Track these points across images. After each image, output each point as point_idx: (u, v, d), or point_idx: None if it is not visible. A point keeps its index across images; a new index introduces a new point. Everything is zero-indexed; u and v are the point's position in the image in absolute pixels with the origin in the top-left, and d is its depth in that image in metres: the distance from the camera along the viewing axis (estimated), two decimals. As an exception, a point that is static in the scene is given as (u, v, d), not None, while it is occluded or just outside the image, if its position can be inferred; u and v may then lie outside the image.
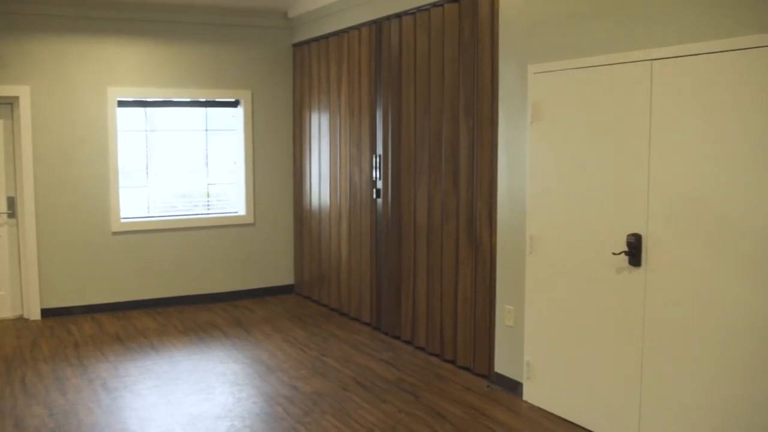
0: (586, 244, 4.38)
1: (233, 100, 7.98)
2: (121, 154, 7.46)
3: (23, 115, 7.01)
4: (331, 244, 7.48)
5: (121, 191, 7.49)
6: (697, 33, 3.65)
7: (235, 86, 7.92)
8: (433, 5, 5.68)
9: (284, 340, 6.46)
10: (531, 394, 4.89)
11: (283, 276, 8.36)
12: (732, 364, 3.57)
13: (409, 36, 6.03)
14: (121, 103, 7.46)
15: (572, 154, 4.44)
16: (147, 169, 7.75)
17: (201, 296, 7.91)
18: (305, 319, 7.18)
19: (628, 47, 4.03)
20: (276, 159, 8.20)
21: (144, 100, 7.57)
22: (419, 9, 5.85)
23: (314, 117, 7.71)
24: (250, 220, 8.11)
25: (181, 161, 7.92)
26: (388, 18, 6.28)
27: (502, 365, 5.16)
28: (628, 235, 4.04)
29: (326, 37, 7.36)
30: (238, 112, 8.04)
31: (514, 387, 5.04)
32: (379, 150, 6.50)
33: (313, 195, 7.82)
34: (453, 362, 5.69)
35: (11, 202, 7.17)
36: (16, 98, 7.01)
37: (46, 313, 7.24)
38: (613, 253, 4.13)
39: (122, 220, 7.50)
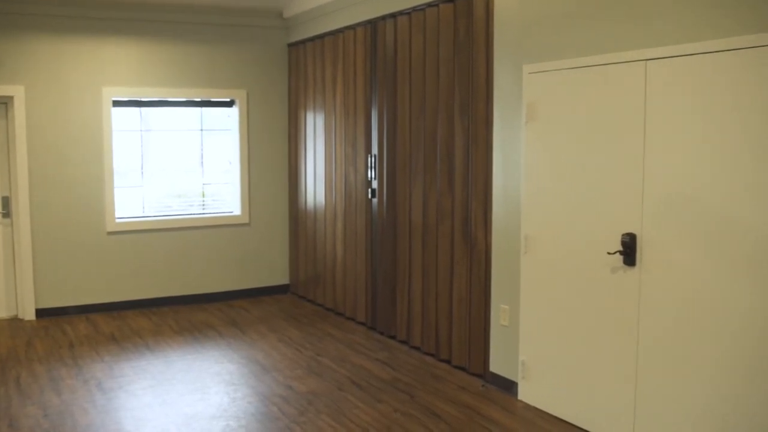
0: (581, 243, 4.39)
1: (228, 99, 7.97)
2: (116, 154, 7.45)
3: (18, 115, 6.99)
4: (326, 244, 7.48)
5: (116, 191, 7.48)
6: (691, 33, 3.66)
7: (231, 86, 7.91)
8: (428, 5, 5.69)
9: (279, 339, 6.46)
10: (526, 394, 4.89)
11: (279, 276, 8.36)
12: (727, 363, 3.58)
13: (404, 36, 6.03)
14: (116, 103, 7.45)
15: (567, 154, 4.45)
16: (142, 168, 7.74)
17: (196, 296, 7.90)
18: (300, 319, 7.18)
19: (622, 47, 4.04)
20: (271, 159, 8.19)
21: (139, 99, 7.56)
22: (414, 9, 5.86)
23: (309, 117, 7.71)
24: (246, 220, 8.11)
25: (176, 161, 7.91)
26: (384, 18, 6.28)
27: (497, 365, 5.16)
28: (623, 235, 4.05)
29: (321, 36, 7.36)
30: (233, 112, 8.04)
31: (509, 386, 5.05)
32: (375, 150, 6.50)
33: (308, 195, 7.82)
34: (448, 362, 5.70)
35: (6, 202, 7.16)
36: (11, 98, 7.00)
37: (40, 313, 7.23)
38: (608, 253, 4.14)
39: (117, 220, 7.49)
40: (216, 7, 7.58)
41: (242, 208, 8.08)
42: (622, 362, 4.14)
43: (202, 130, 7.99)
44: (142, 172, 7.74)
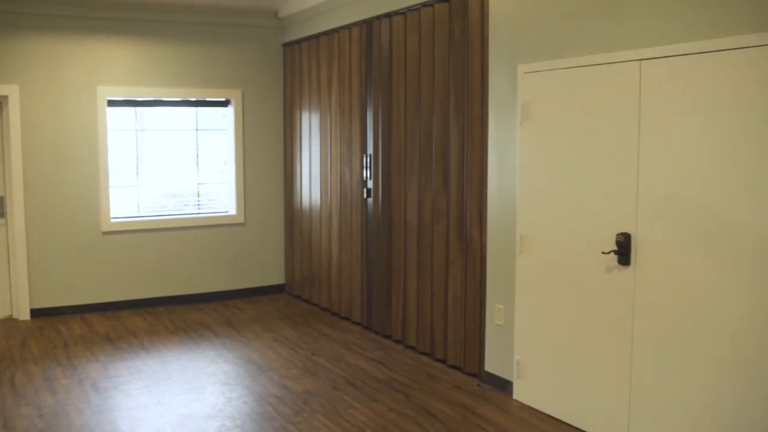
0: (575, 243, 4.40)
1: (224, 99, 7.97)
2: (111, 154, 7.44)
3: (12, 114, 6.98)
4: (321, 244, 7.48)
5: (111, 191, 7.47)
6: (685, 33, 3.67)
7: (226, 86, 7.91)
8: (424, 5, 5.69)
9: (275, 339, 6.46)
10: (521, 393, 4.90)
11: (274, 275, 8.36)
12: (722, 362, 3.59)
13: (399, 36, 6.04)
14: (111, 103, 7.44)
15: (562, 154, 4.46)
16: (137, 168, 7.73)
17: (191, 296, 7.90)
18: (296, 319, 7.18)
19: (617, 47, 4.05)
20: (267, 158, 8.19)
21: (134, 99, 7.55)
22: (409, 9, 5.86)
23: (305, 116, 7.70)
24: (241, 220, 8.11)
25: (171, 161, 7.90)
26: (379, 18, 6.29)
27: (492, 364, 5.17)
28: (618, 235, 4.06)
29: (317, 36, 7.36)
30: (228, 112, 8.03)
31: (504, 386, 5.05)
32: (370, 149, 6.50)
33: (303, 195, 7.82)
34: (443, 361, 5.70)
35: (0, 202, 7.14)
36: (5, 97, 6.98)
37: (35, 313, 7.22)
38: (603, 252, 4.15)
39: (112, 220, 7.48)
40: (211, 6, 7.58)
41: (237, 207, 8.07)
42: (617, 361, 4.14)
43: (197, 129, 7.98)
44: (137, 172, 7.73)
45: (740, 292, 3.48)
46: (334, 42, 7.05)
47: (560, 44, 4.44)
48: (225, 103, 8.01)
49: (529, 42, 4.69)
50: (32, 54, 7.03)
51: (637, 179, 3.96)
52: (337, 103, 7.02)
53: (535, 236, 4.70)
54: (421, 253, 5.89)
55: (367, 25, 6.48)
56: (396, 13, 6.04)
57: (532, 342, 4.79)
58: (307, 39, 7.55)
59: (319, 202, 7.48)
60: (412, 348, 6.07)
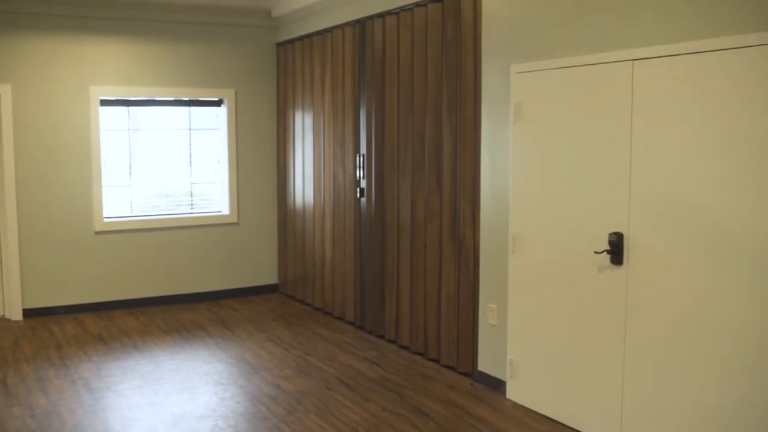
0: (568, 242, 4.41)
1: (217, 99, 7.96)
2: (103, 154, 7.43)
3: (4, 114, 6.96)
4: (315, 244, 7.48)
5: (104, 190, 7.45)
6: (677, 33, 3.68)
7: (219, 85, 7.90)
8: (417, 5, 5.69)
9: (268, 339, 6.45)
10: (514, 393, 4.91)
11: (267, 275, 8.35)
12: (714, 361, 3.60)
13: (392, 35, 6.04)
14: (104, 102, 7.42)
15: (554, 154, 4.47)
16: (130, 168, 7.72)
17: (184, 296, 7.89)
18: (289, 319, 7.18)
19: (609, 47, 4.06)
20: (260, 158, 8.19)
21: (127, 99, 7.54)
22: (402, 9, 5.86)
23: (298, 116, 7.70)
24: (234, 220, 8.10)
25: (164, 160, 7.89)
26: (372, 17, 6.29)
27: (485, 364, 5.18)
28: (610, 234, 4.07)
29: (310, 36, 7.36)
30: (221, 111, 8.02)
31: (497, 385, 5.06)
32: (363, 149, 6.51)
33: (297, 194, 7.82)
34: (437, 361, 5.71)
35: (-8, 202, 7.13)
36: (-2, 97, 6.98)
37: (27, 313, 7.20)
38: (595, 252, 4.16)
39: (105, 220, 7.47)
40: (204, 6, 7.57)
41: (231, 207, 8.07)
42: (610, 360, 4.16)
43: (190, 129, 7.97)
44: (130, 172, 7.72)
45: (733, 291, 3.49)
46: (327, 42, 7.05)
47: (553, 44, 4.45)
48: (218, 103, 8.00)
49: (521, 42, 4.70)
50: (24, 53, 7.01)
51: (629, 179, 3.97)
52: (331, 102, 7.02)
53: (528, 236, 4.71)
54: (414, 253, 5.89)
55: (361, 24, 6.48)
56: (389, 12, 6.04)
57: (525, 341, 4.80)
58: (301, 39, 7.55)
59: (312, 201, 7.48)
60: (406, 348, 6.07)
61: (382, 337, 6.40)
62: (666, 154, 3.77)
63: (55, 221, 7.23)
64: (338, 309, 7.11)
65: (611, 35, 4.05)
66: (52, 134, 7.16)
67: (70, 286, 7.36)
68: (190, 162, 8.01)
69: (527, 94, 4.66)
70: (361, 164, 6.55)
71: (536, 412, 4.71)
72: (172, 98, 7.73)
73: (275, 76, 8.19)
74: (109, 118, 7.53)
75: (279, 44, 8.07)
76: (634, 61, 3.90)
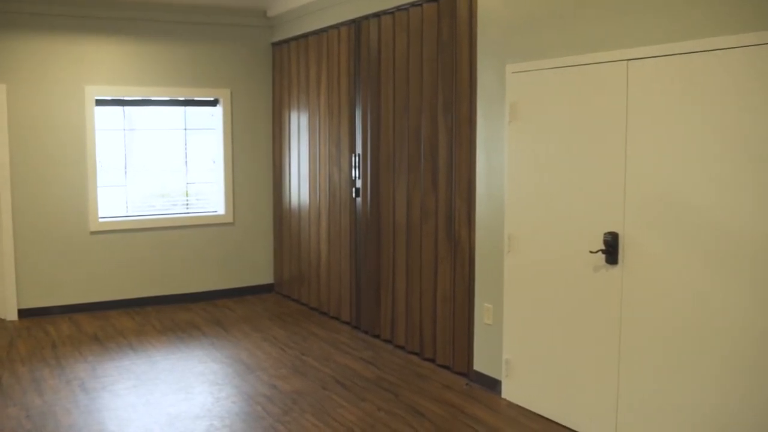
0: (563, 242, 4.41)
1: (212, 99, 7.95)
2: (99, 153, 7.42)
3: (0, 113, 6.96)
4: (310, 244, 7.48)
5: (99, 190, 7.44)
6: (672, 33, 3.69)
7: (215, 85, 7.90)
8: (412, 5, 5.70)
9: (264, 339, 6.45)
10: (510, 392, 4.92)
11: (263, 275, 8.35)
12: (708, 361, 3.61)
13: (388, 35, 6.04)
14: (100, 102, 7.41)
15: (550, 153, 4.48)
16: (126, 168, 7.71)
17: (180, 296, 7.88)
18: (285, 318, 7.18)
19: (604, 47, 4.07)
20: (255, 158, 8.18)
21: (122, 99, 7.53)
22: (398, 8, 5.86)
23: (293, 116, 7.70)
24: (230, 220, 8.09)
25: (159, 160, 7.88)
26: (367, 17, 6.29)
27: (481, 363, 5.18)
28: (605, 234, 4.08)
29: (305, 36, 7.36)
30: (217, 111, 8.02)
31: (493, 385, 5.07)
32: (359, 149, 6.51)
33: (292, 194, 7.82)
34: (432, 361, 5.71)
35: (-13, 202, 7.11)
36: (-8, 97, 6.96)
37: (23, 313, 7.19)
38: (590, 252, 4.17)
39: (100, 220, 7.46)
40: (200, 6, 7.56)
41: (226, 207, 8.06)
42: (605, 360, 4.16)
43: (185, 129, 7.96)
44: (125, 172, 7.71)
45: (728, 290, 3.50)
46: (322, 41, 7.05)
47: (548, 44, 4.46)
48: (214, 103, 7.99)
49: (517, 42, 4.71)
50: (20, 53, 7.00)
51: (624, 178, 3.98)
52: (326, 102, 7.02)
53: (524, 235, 4.72)
54: (410, 253, 5.90)
55: (356, 24, 6.48)
56: (384, 12, 6.04)
57: (520, 341, 4.81)
58: (296, 38, 7.54)
59: (307, 201, 7.48)
60: (401, 347, 6.08)
61: (377, 336, 6.40)
62: (661, 154, 3.78)
63: (50, 221, 7.22)
64: (334, 309, 7.11)
65: (606, 35, 4.06)
66: (47, 134, 7.15)
67: (65, 286, 7.35)
68: (186, 162, 8.00)
69: (522, 94, 4.66)
70: (357, 164, 6.55)
71: (532, 412, 4.72)
72: (167, 98, 7.73)
73: (271, 76, 8.18)
74: (105, 118, 7.52)
75: (274, 44, 8.07)
76: (629, 61, 3.91)
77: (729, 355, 3.51)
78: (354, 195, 6.62)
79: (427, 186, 5.64)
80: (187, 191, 8.04)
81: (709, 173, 3.55)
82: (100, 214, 7.46)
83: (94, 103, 7.32)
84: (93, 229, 7.41)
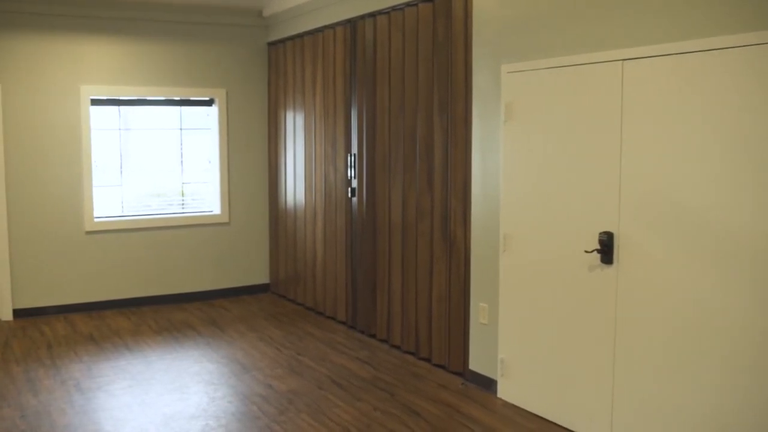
0: (559, 242, 4.42)
1: (208, 98, 7.95)
2: (94, 153, 7.41)
3: (-6, 114, 6.94)
4: (306, 243, 7.48)
5: (94, 190, 7.44)
6: (667, 34, 3.70)
7: (210, 85, 7.89)
8: (408, 5, 5.70)
9: (260, 339, 6.45)
10: (505, 392, 4.92)
11: (259, 275, 8.35)
12: (704, 361, 3.62)
13: (383, 35, 6.04)
14: (95, 102, 7.40)
15: (545, 153, 4.48)
16: (121, 168, 7.70)
17: (176, 296, 7.87)
18: (281, 318, 7.18)
19: (599, 47, 4.08)
20: (251, 158, 8.18)
21: (118, 98, 7.52)
22: (394, 8, 5.87)
23: (289, 116, 7.70)
24: (225, 219, 8.09)
25: (155, 160, 7.87)
26: (363, 17, 6.29)
27: (476, 363, 5.19)
28: (600, 233, 4.09)
29: (301, 36, 7.36)
30: (212, 111, 8.01)
31: (488, 384, 5.07)
32: (354, 149, 6.51)
33: (288, 194, 7.82)
34: (428, 360, 5.72)
35: (-18, 202, 7.10)
36: (-13, 96, 6.95)
37: (18, 313, 7.17)
38: (586, 251, 4.17)
39: (96, 220, 7.45)
40: (195, 5, 7.56)
41: (222, 207, 8.06)
42: (600, 359, 4.17)
43: (181, 129, 7.96)
44: (121, 171, 7.70)
45: (723, 289, 3.51)
46: (318, 41, 7.05)
47: (543, 44, 4.46)
48: (209, 103, 7.99)
49: (512, 42, 4.71)
50: (14, 52, 6.99)
51: (619, 178, 3.98)
52: (322, 102, 7.02)
53: (519, 235, 4.73)
54: (406, 253, 5.90)
55: (352, 24, 6.48)
56: (380, 12, 6.05)
57: (516, 340, 4.81)
58: (292, 38, 7.54)
59: (303, 201, 7.48)
60: (397, 347, 6.08)
61: (373, 336, 6.40)
62: (656, 154, 3.78)
63: (45, 221, 7.21)
64: (330, 308, 7.11)
65: (601, 35, 4.07)
66: (42, 133, 7.14)
67: (60, 286, 7.34)
68: (181, 162, 8.00)
69: (518, 94, 4.67)
70: (353, 164, 6.55)
71: (527, 411, 4.72)
72: (163, 98, 7.72)
73: (266, 76, 8.18)
74: (100, 118, 7.51)
75: (270, 44, 8.07)
76: (624, 61, 3.91)
77: (725, 355, 3.51)
78: (350, 195, 6.62)
79: (423, 186, 5.64)
80: (182, 191, 8.04)
81: (704, 172, 3.56)
82: (95, 214, 7.45)
83: (89, 102, 7.31)
84: (88, 228, 7.40)
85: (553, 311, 4.49)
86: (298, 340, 6.41)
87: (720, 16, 3.45)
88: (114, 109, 7.58)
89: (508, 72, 4.73)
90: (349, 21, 6.50)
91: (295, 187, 7.65)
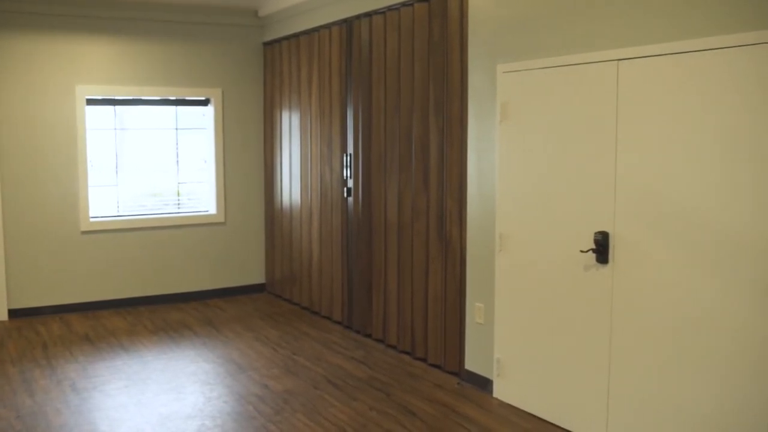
0: (554, 241, 4.43)
1: (204, 98, 7.94)
2: (90, 153, 7.40)
3: (-11, 114, 6.93)
4: (302, 243, 7.48)
5: (90, 190, 7.43)
6: (662, 34, 3.70)
7: (206, 84, 7.88)
8: (403, 5, 5.70)
9: (255, 338, 6.45)
10: (501, 391, 4.93)
11: (255, 275, 8.35)
12: (698, 360, 3.63)
13: (379, 35, 6.05)
14: (90, 102, 7.39)
15: (540, 153, 4.49)
16: (117, 167, 7.69)
17: (171, 296, 7.87)
18: (276, 318, 7.17)
19: (594, 47, 4.08)
20: (247, 158, 8.17)
21: (113, 98, 7.51)
22: (389, 8, 5.87)
23: (285, 116, 7.70)
24: (221, 219, 8.09)
25: (151, 160, 7.86)
26: (359, 17, 6.29)
27: (472, 363, 5.19)
28: (596, 233, 4.09)
29: (297, 35, 7.35)
30: (208, 111, 8.01)
31: (484, 384, 5.08)
32: (350, 149, 6.51)
33: (284, 194, 7.81)
34: (424, 360, 5.72)
35: (-23, 202, 7.08)
36: (-18, 96, 6.93)
37: (13, 313, 7.16)
38: (581, 251, 4.18)
39: (91, 219, 7.44)
40: (191, 5, 7.55)
41: (218, 207, 8.05)
42: (596, 359, 4.18)
43: (177, 128, 7.95)
44: (116, 171, 7.69)
45: (718, 289, 3.52)
46: (314, 41, 7.05)
47: (539, 44, 4.47)
48: (205, 102, 7.98)
49: (508, 42, 4.72)
50: (9, 52, 6.97)
51: (614, 178, 3.99)
52: (317, 102, 7.02)
53: (515, 235, 4.73)
54: (402, 252, 5.90)
55: (347, 24, 6.48)
56: (376, 12, 6.05)
57: (511, 340, 4.82)
58: (287, 38, 7.54)
59: (299, 201, 7.48)
60: (393, 347, 6.08)
61: (369, 336, 6.40)
62: (651, 154, 3.79)
63: (41, 221, 7.20)
64: (326, 308, 7.11)
65: (597, 35, 4.07)
66: (38, 133, 7.12)
67: (56, 286, 7.33)
68: (177, 161, 7.99)
69: (513, 94, 4.67)
70: (348, 164, 6.55)
71: (523, 411, 4.73)
72: (158, 97, 7.71)
73: (262, 76, 8.18)
74: (96, 118, 7.50)
75: (266, 44, 8.06)
76: (619, 61, 3.92)
77: (721, 355, 3.52)
78: (345, 195, 6.62)
79: (419, 185, 5.64)
80: (178, 191, 8.03)
81: (699, 172, 3.56)
82: (91, 214, 7.44)
83: (84, 102, 7.30)
84: (84, 228, 7.39)
85: (548, 311, 4.50)
86: (294, 340, 6.41)
87: (714, 16, 3.45)
88: (110, 108, 7.57)
89: (503, 72, 4.74)
90: (344, 21, 6.50)
91: (290, 186, 7.65)
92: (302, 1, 6.95)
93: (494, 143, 4.85)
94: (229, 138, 8.04)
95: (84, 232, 7.41)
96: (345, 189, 6.62)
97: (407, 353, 5.91)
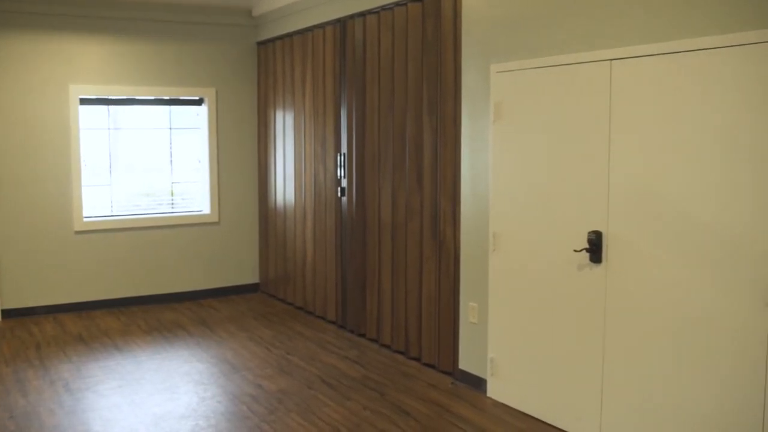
0: (547, 241, 4.43)
1: (197, 98, 7.93)
2: (83, 153, 7.38)
3: (-18, 113, 6.91)
4: (296, 243, 7.47)
5: (84, 190, 7.41)
6: (655, 34, 3.71)
7: (200, 84, 7.88)
8: (397, 4, 5.70)
9: (249, 338, 6.44)
10: (495, 391, 4.93)
11: (248, 275, 8.34)
12: (691, 360, 3.64)
13: (372, 35, 6.05)
14: (84, 101, 7.38)
15: (534, 153, 4.49)
16: (110, 167, 7.68)
17: (165, 295, 7.86)
18: (270, 318, 7.17)
19: (587, 47, 4.09)
20: (241, 157, 8.17)
21: (107, 98, 7.50)
22: (383, 8, 5.87)
23: (279, 115, 7.69)
24: (215, 219, 8.08)
25: (145, 159, 7.85)
26: (352, 17, 6.29)
27: (466, 362, 5.20)
28: (589, 233, 4.10)
29: (290, 35, 7.35)
30: (202, 110, 8.00)
31: (478, 384, 5.08)
32: (344, 148, 6.51)
33: (278, 194, 7.81)
34: (418, 360, 5.73)
35: (-30, 202, 7.06)
36: (-25, 96, 6.91)
37: (6, 313, 7.14)
38: (575, 251, 4.19)
39: (85, 219, 7.42)
40: (185, 5, 7.54)
41: (212, 206, 8.05)
42: (590, 358, 4.19)
43: (170, 128, 7.94)
44: (110, 171, 7.68)
45: (712, 288, 3.53)
46: (308, 41, 7.05)
47: (532, 44, 4.48)
48: (199, 102, 7.97)
49: (501, 41, 4.72)
50: (3, 52, 6.95)
51: (608, 178, 4.00)
52: (311, 101, 7.02)
53: (508, 234, 4.74)
54: (396, 252, 5.91)
55: (341, 24, 6.48)
56: (370, 12, 6.05)
57: (505, 340, 4.83)
58: (281, 38, 7.54)
59: (293, 201, 7.48)
60: (387, 346, 6.09)
61: (363, 335, 6.41)
62: (644, 153, 3.80)
63: (34, 221, 7.18)
64: (320, 308, 7.11)
65: (590, 35, 4.08)
66: (31, 133, 7.11)
67: (49, 286, 7.31)
68: (171, 161, 7.98)
69: (507, 94, 4.68)
70: (342, 163, 6.55)
71: (517, 410, 4.73)
72: (152, 97, 7.70)
73: (256, 76, 8.17)
74: (89, 117, 7.48)
75: (259, 43, 8.06)
76: (612, 61, 3.93)
77: (714, 354, 3.53)
78: (339, 194, 6.62)
79: (412, 185, 5.65)
80: (172, 191, 8.02)
81: (692, 171, 3.57)
82: (84, 214, 7.43)
83: (78, 102, 7.29)
84: (78, 228, 7.38)
85: (542, 310, 4.50)
86: (288, 339, 6.41)
87: (707, 16, 3.46)
88: (103, 108, 7.56)
89: (497, 72, 4.74)
90: (338, 20, 6.50)
91: (284, 186, 7.65)
92: (296, 1, 6.95)
93: (488, 143, 4.85)
94: (222, 138, 8.04)
95: (78, 232, 7.39)
96: (339, 188, 6.62)
97: (401, 353, 5.91)
